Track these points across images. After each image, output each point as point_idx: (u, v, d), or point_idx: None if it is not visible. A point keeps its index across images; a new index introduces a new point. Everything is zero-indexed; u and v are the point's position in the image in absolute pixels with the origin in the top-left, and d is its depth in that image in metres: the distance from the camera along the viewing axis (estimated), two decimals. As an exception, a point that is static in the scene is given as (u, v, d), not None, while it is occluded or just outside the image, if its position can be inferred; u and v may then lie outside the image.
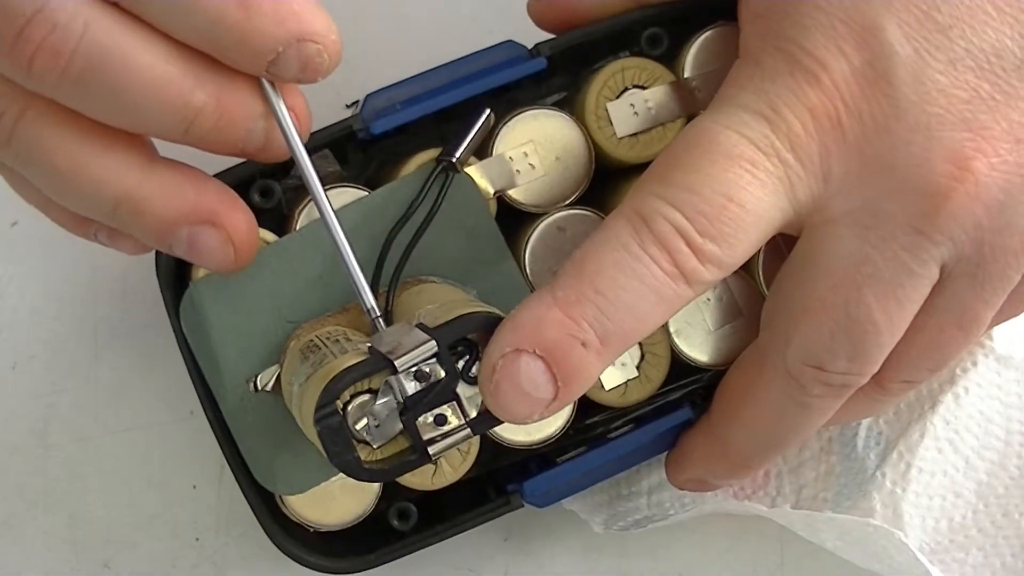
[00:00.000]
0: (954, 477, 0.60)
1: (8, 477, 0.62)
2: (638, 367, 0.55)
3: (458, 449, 0.53)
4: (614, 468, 0.57)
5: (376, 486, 0.54)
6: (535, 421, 0.46)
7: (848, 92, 0.47)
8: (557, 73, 0.57)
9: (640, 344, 0.55)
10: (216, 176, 0.50)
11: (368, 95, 0.55)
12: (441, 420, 0.46)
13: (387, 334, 0.47)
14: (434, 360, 0.46)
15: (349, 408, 0.47)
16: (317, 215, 0.52)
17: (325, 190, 0.48)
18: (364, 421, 0.47)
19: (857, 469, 0.60)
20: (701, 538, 0.63)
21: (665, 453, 0.58)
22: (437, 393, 0.46)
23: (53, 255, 0.63)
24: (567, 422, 0.55)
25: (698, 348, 0.55)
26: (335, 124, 0.55)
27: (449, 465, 0.54)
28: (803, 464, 0.61)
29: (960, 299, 0.49)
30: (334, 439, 0.45)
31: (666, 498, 0.61)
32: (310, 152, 0.52)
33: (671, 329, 0.55)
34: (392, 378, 0.46)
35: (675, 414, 0.56)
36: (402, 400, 0.46)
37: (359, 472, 0.46)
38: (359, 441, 0.47)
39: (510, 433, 0.55)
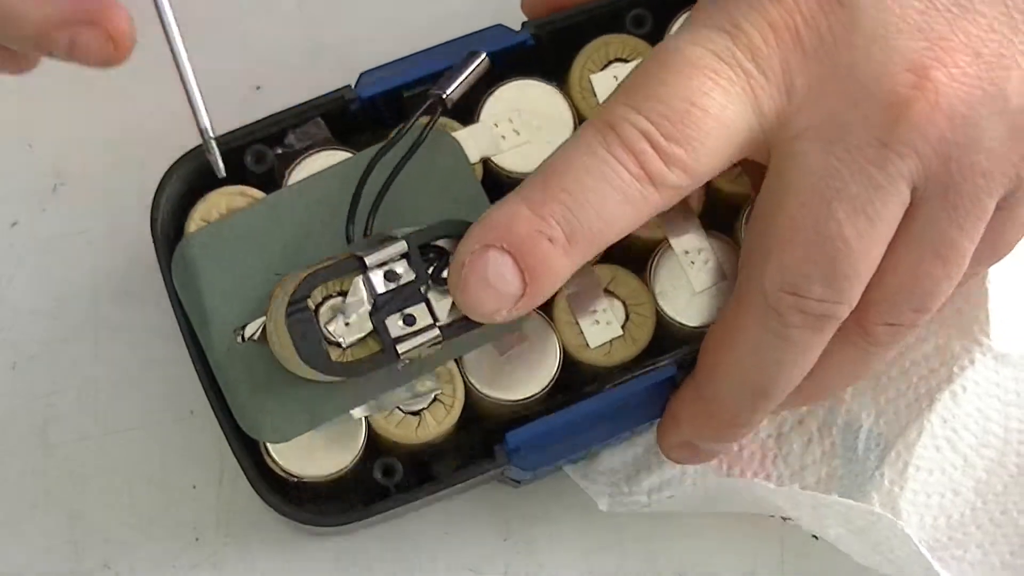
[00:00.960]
0: (952, 475, 0.60)
1: (8, 477, 0.62)
2: (623, 327, 0.55)
3: (441, 403, 0.54)
4: (602, 431, 0.56)
5: (361, 439, 0.54)
6: (504, 319, 0.47)
7: (806, 6, 0.48)
8: (546, 61, 0.58)
9: (624, 304, 0.56)
10: (212, 140, 0.51)
11: (362, 73, 0.56)
12: (410, 320, 0.47)
13: (363, 241, 0.48)
14: (404, 261, 0.47)
15: (321, 309, 0.48)
16: (306, 174, 0.54)
17: (316, 151, 0.49)
18: (335, 323, 0.47)
19: (858, 471, 0.60)
20: (701, 538, 0.62)
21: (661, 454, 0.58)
22: (407, 294, 0.47)
23: (53, 255, 0.63)
24: (551, 380, 0.55)
25: (682, 310, 0.56)
26: (328, 93, 0.56)
27: (433, 419, 0.54)
28: (805, 468, 0.61)
29: (934, 224, 0.49)
30: (304, 333, 0.46)
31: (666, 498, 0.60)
32: (303, 121, 0.54)
33: (655, 290, 0.56)
34: (362, 276, 0.47)
35: (661, 370, 0.56)
36: (372, 299, 0.47)
37: (328, 366, 0.46)
38: (330, 343, 0.47)
39: (493, 390, 0.55)
